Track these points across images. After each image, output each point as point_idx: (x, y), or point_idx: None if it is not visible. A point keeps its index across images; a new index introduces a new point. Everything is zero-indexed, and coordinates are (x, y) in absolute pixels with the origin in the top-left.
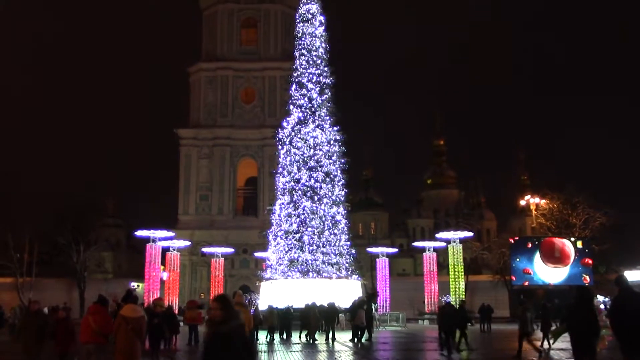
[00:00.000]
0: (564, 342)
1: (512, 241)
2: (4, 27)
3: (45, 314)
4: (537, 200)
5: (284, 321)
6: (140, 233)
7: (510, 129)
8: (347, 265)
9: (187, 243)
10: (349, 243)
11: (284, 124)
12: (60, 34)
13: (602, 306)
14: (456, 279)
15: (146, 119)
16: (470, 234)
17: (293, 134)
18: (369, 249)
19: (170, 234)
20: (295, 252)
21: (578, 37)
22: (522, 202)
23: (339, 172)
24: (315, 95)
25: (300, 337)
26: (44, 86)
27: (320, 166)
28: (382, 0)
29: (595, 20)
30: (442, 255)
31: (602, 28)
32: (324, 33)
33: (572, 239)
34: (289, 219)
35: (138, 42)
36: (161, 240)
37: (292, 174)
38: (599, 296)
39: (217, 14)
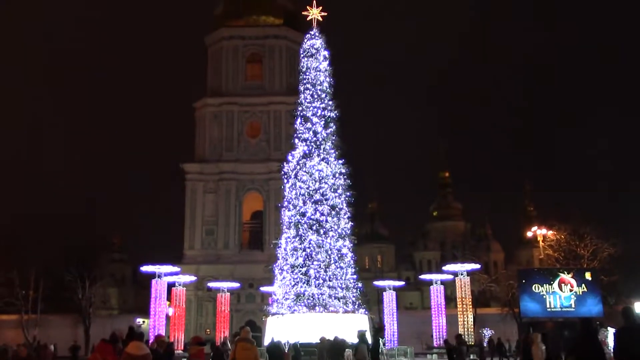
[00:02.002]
0: None
1: (519, 274)
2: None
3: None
4: (544, 231)
5: (294, 357)
6: (145, 268)
7: (516, 159)
8: (353, 299)
9: (193, 278)
10: (355, 277)
11: (289, 157)
12: (66, 67)
13: (609, 339)
14: (464, 312)
15: (152, 154)
16: (478, 266)
17: (298, 167)
18: (376, 283)
19: (176, 269)
20: (301, 286)
21: (577, 61)
22: (529, 234)
23: (344, 205)
24: (320, 129)
25: None
26: (47, 119)
27: (326, 199)
28: (381, 32)
29: (595, 43)
30: (449, 288)
31: (601, 50)
32: (328, 67)
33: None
34: (294, 252)
35: (143, 78)
36: (167, 275)
37: (298, 208)
38: (608, 328)
39: (222, 50)
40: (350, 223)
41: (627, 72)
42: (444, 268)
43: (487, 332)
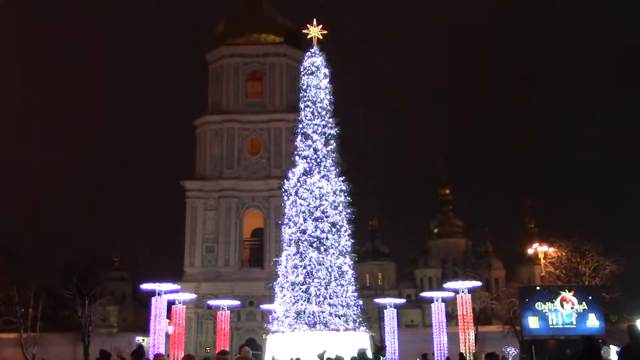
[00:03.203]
0: None
1: (521, 291)
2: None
3: None
4: (545, 248)
5: None
6: (145, 286)
7: (517, 176)
8: (354, 317)
9: (193, 296)
10: (356, 294)
11: (290, 174)
12: (66, 81)
13: (612, 357)
14: (466, 330)
15: (152, 171)
16: (479, 283)
17: (299, 184)
18: (377, 300)
19: (176, 286)
20: (302, 304)
21: (577, 72)
22: (530, 251)
23: (345, 222)
24: (320, 146)
25: None
26: (47, 135)
27: (326, 217)
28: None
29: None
30: (450, 305)
31: (604, 78)
32: (328, 85)
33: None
34: (295, 270)
35: (144, 94)
36: (167, 293)
37: (298, 225)
38: (611, 346)
39: (223, 67)
40: (351, 240)
41: (629, 84)
42: (445, 285)
43: (512, 351)
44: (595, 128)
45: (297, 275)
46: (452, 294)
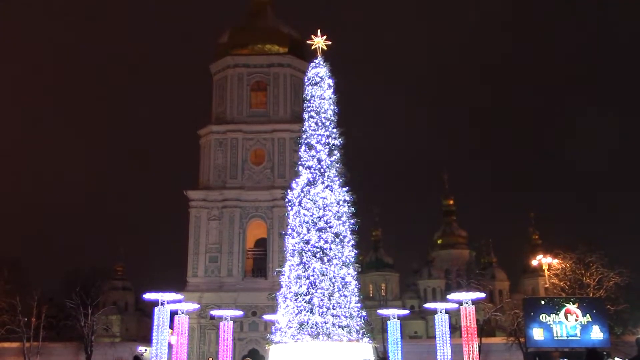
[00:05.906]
0: None
1: (525, 303)
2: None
3: None
4: (549, 259)
5: None
6: (148, 296)
7: (521, 188)
8: (357, 328)
9: (196, 306)
10: (359, 305)
11: (293, 185)
12: (68, 94)
13: None
14: (469, 342)
15: (156, 181)
16: (483, 295)
17: (302, 195)
18: (380, 311)
19: (179, 296)
20: (305, 315)
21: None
22: (534, 262)
23: (348, 232)
24: (324, 157)
25: None
26: (51, 146)
27: (330, 227)
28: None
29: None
30: (454, 316)
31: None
32: (332, 95)
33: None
34: (298, 280)
35: (149, 105)
36: (170, 303)
37: (302, 235)
38: (616, 358)
39: (227, 77)
40: (354, 251)
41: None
42: (449, 296)
43: None
44: (598, 136)
45: (300, 286)
46: (455, 306)
